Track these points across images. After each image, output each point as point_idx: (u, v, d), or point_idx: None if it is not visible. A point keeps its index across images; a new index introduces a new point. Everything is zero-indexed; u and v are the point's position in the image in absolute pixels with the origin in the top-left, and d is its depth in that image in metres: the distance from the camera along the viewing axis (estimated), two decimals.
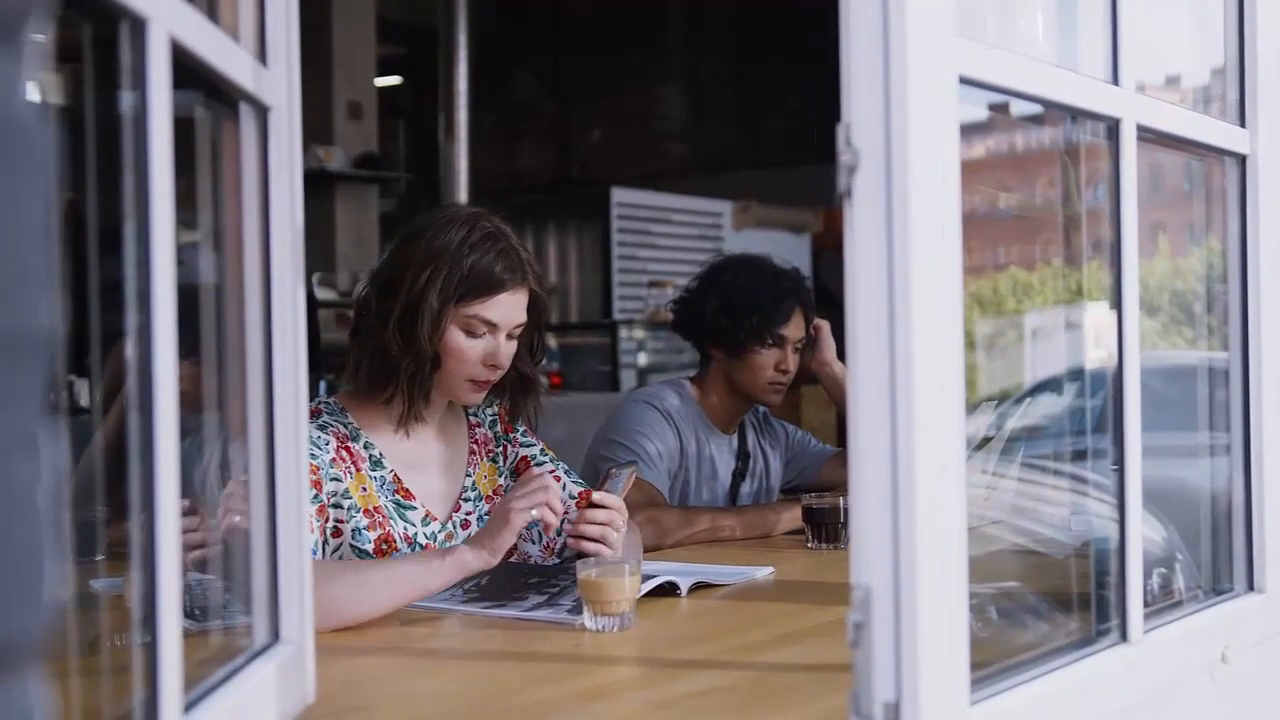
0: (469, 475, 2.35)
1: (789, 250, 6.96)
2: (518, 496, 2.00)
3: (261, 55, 1.35)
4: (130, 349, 1.01)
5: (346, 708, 1.51)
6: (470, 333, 2.19)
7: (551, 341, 7.86)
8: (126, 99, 1.02)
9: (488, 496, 2.35)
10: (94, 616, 1.32)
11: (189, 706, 1.09)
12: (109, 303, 1.04)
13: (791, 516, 2.83)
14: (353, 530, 2.15)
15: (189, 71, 1.12)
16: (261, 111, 1.35)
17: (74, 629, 1.17)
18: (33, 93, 0.58)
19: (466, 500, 2.33)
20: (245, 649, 1.34)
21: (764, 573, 2.35)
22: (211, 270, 1.38)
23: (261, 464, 1.37)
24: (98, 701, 1.16)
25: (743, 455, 3.15)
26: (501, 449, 2.41)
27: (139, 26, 1.00)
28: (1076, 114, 1.55)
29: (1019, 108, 1.54)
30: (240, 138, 1.34)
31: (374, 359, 2.20)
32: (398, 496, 2.22)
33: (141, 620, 1.04)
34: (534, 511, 1.98)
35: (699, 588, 2.18)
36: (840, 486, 2.96)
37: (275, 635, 1.37)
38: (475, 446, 2.38)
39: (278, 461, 1.38)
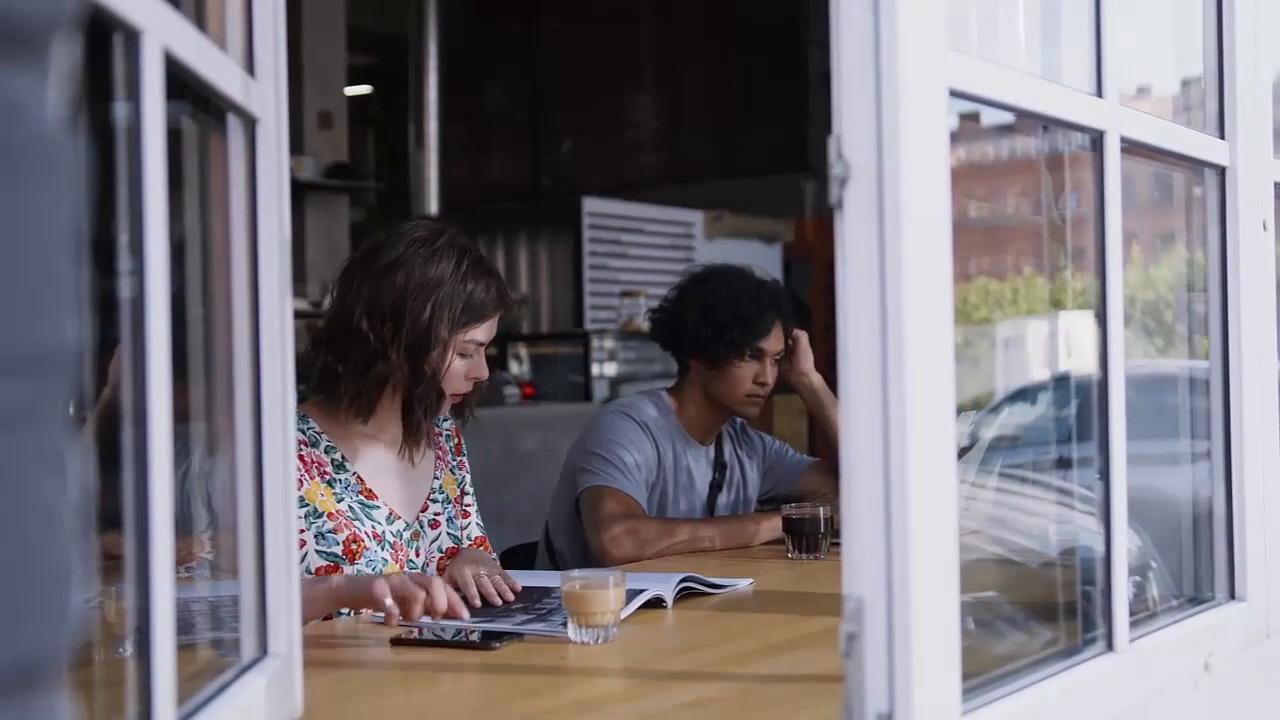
0: (436, 478, 2.43)
1: (760, 260, 6.96)
2: (399, 584, 1.95)
3: (250, 67, 1.34)
4: (124, 361, 1.00)
5: None
6: (463, 355, 2.30)
7: (523, 352, 7.85)
8: (120, 110, 1.01)
9: (454, 500, 2.45)
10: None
11: None
12: (98, 314, 1.03)
13: (771, 527, 2.83)
14: (317, 535, 2.20)
15: (178, 82, 1.11)
16: (250, 123, 1.34)
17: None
18: (58, 107, 0.57)
19: (435, 501, 2.41)
20: (233, 663, 1.33)
21: (745, 584, 2.35)
22: (198, 281, 1.37)
23: (249, 478, 1.36)
24: (87, 716, 1.15)
25: (720, 466, 3.15)
26: (458, 463, 2.52)
27: (133, 38, 0.99)
28: (1062, 126, 1.56)
29: (990, 117, 1.55)
30: (228, 149, 1.34)
31: (373, 385, 2.26)
32: (361, 497, 2.28)
33: (127, 634, 1.03)
34: (389, 602, 1.92)
35: (685, 596, 2.18)
36: (818, 496, 2.97)
37: (264, 649, 1.36)
38: (440, 452, 2.47)
39: (265, 475, 1.37)
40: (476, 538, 2.48)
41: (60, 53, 0.59)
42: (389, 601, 1.92)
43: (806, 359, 3.13)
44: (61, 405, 0.57)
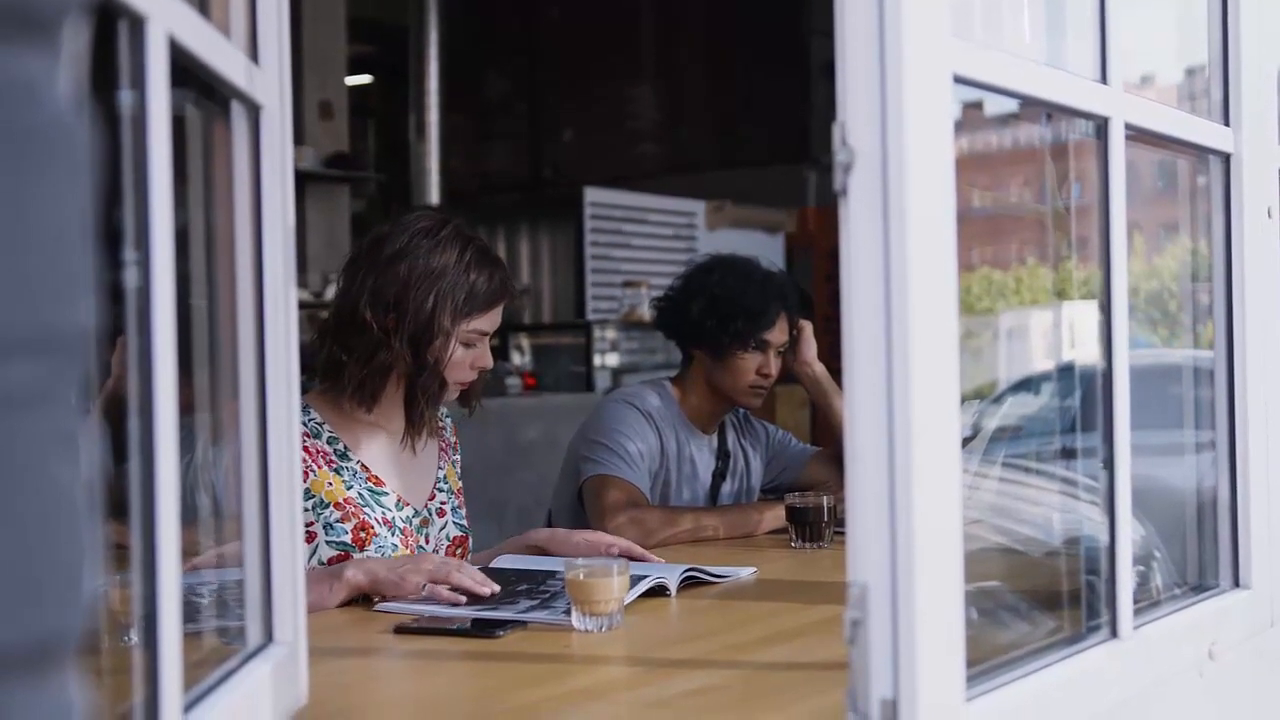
0: (440, 469, 2.46)
1: (763, 250, 6.94)
2: (429, 567, 2.07)
3: (253, 54, 1.34)
4: (130, 350, 1.00)
5: (339, 709, 1.50)
6: (466, 344, 2.31)
7: (524, 342, 7.86)
8: (125, 97, 1.01)
9: (456, 491, 2.48)
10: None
11: (187, 708, 1.08)
12: (102, 303, 1.03)
13: (774, 516, 2.83)
14: (325, 526, 2.22)
15: (182, 70, 1.11)
16: (254, 110, 1.34)
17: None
18: (71, 89, 0.57)
19: (440, 490, 2.44)
20: (238, 650, 1.33)
21: (748, 572, 2.35)
22: (202, 270, 1.37)
23: (254, 465, 1.36)
24: (93, 704, 1.15)
25: (723, 455, 3.15)
26: (456, 459, 2.54)
27: (138, 25, 0.99)
28: (1067, 113, 1.56)
29: (994, 106, 1.55)
30: (231, 137, 1.34)
31: (378, 374, 2.28)
32: (369, 484, 2.30)
33: (134, 622, 1.03)
34: (427, 588, 2.04)
35: (688, 585, 2.19)
36: (821, 485, 2.97)
37: (269, 636, 1.36)
38: (443, 444, 2.49)
39: (270, 463, 1.37)
40: (455, 536, 2.49)
41: (71, 35, 0.58)
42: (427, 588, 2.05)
43: (810, 349, 3.13)
44: (74, 388, 0.57)
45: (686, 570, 2.21)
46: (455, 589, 2.03)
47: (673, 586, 2.14)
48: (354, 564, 2.10)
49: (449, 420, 2.54)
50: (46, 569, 0.54)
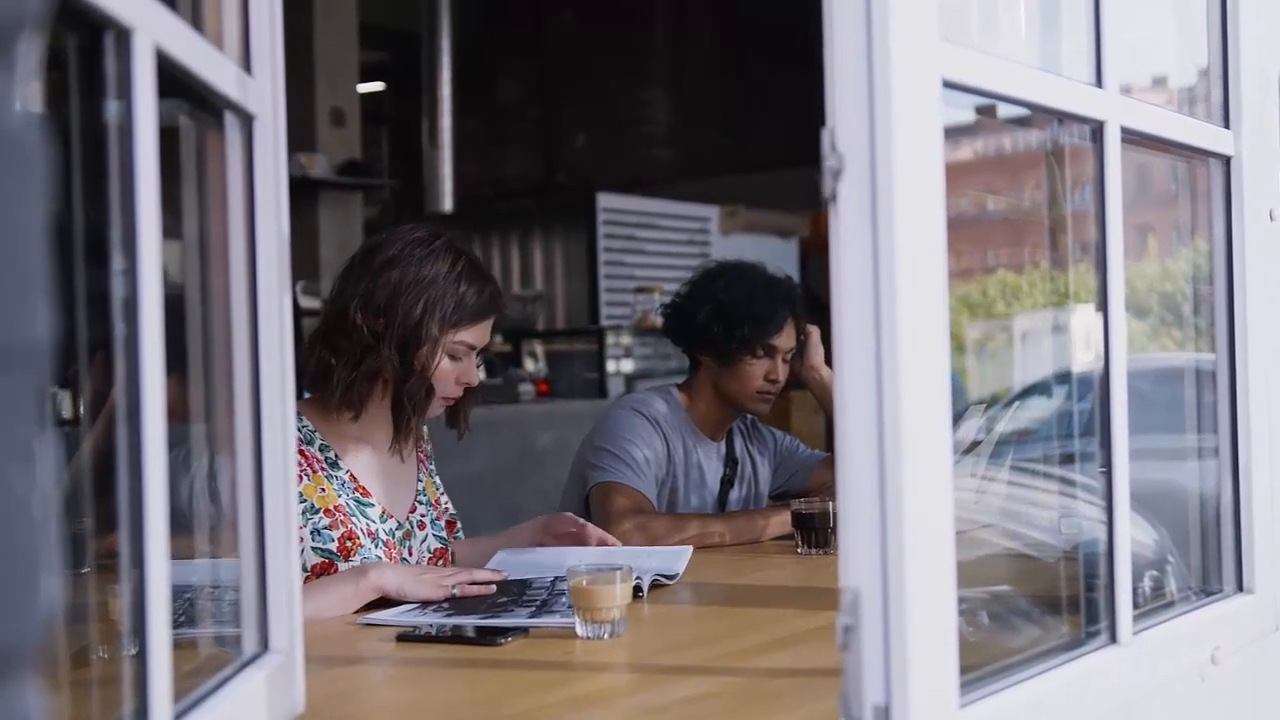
0: (420, 481, 2.48)
1: (776, 255, 6.96)
2: (449, 571, 2.20)
3: (246, 64, 1.35)
4: (118, 360, 1.00)
5: (335, 718, 1.50)
6: (453, 356, 2.33)
7: (538, 348, 7.85)
8: (111, 108, 1.01)
9: (434, 503, 2.50)
10: (76, 629, 1.32)
11: (179, 716, 1.08)
12: (93, 314, 1.03)
13: (780, 521, 2.83)
14: (313, 532, 2.24)
15: (173, 80, 1.11)
16: (246, 120, 1.35)
17: (60, 641, 1.17)
18: (27, 103, 0.58)
19: (421, 503, 2.46)
20: (234, 658, 1.33)
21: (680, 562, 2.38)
22: (196, 281, 1.38)
23: (249, 474, 1.37)
24: (86, 713, 1.15)
25: (731, 462, 3.15)
26: (434, 466, 2.56)
27: (124, 36, 1.00)
28: (1060, 116, 1.55)
29: (1005, 111, 1.55)
30: (225, 146, 1.34)
31: (365, 379, 2.29)
32: (357, 494, 2.33)
33: (127, 631, 1.04)
34: (456, 590, 2.15)
35: (655, 586, 2.23)
36: (829, 491, 2.96)
37: (264, 645, 1.36)
38: (422, 457, 2.52)
39: (265, 471, 1.37)
40: (436, 549, 2.49)
41: (28, 50, 0.59)
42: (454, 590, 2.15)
43: (818, 354, 3.13)
44: (33, 398, 0.57)
45: (654, 574, 2.25)
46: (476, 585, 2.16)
47: (645, 588, 2.17)
48: (375, 568, 2.14)
49: (425, 428, 2.56)
50: (2, 579, 0.55)
